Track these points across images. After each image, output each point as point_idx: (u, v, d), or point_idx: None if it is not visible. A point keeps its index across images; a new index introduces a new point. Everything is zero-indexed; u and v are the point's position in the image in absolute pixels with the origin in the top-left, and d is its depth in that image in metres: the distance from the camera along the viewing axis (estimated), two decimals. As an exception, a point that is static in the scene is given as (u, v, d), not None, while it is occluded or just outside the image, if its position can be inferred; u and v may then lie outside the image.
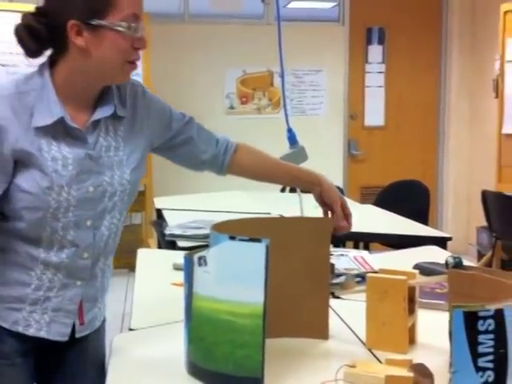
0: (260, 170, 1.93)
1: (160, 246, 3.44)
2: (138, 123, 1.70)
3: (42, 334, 1.61)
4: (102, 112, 1.61)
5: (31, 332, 1.61)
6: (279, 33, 2.53)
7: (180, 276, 1.58)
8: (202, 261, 1.50)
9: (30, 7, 1.60)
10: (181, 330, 1.60)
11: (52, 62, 1.57)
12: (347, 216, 1.87)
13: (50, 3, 1.55)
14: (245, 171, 1.92)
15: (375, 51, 6.75)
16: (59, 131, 1.55)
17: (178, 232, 3.11)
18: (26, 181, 1.53)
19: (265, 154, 1.94)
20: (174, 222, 3.37)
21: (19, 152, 1.51)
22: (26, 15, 1.55)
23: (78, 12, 1.50)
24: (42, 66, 1.57)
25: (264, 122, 6.31)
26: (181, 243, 2.98)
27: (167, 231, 3.13)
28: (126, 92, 1.68)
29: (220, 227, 1.66)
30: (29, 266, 1.58)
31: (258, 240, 1.46)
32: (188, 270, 1.55)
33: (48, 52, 1.59)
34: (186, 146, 1.82)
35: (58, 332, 1.63)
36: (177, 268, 2.36)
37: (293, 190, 3.86)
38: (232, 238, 1.49)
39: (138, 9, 1.55)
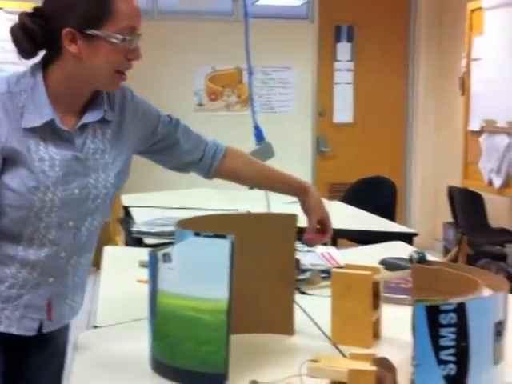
0: (248, 176, 1.95)
1: (127, 244, 3.42)
2: (126, 127, 1.71)
3: (13, 330, 1.61)
4: (92, 116, 1.63)
5: (1, 328, 1.60)
6: (246, 30, 2.53)
7: (146, 273, 1.57)
8: (167, 257, 1.50)
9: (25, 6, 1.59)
10: (146, 327, 1.60)
11: (45, 64, 1.58)
12: (325, 232, 1.91)
13: (49, 7, 1.55)
14: (233, 177, 1.95)
15: (344, 49, 6.78)
16: (48, 132, 1.56)
17: (144, 229, 3.10)
18: (13, 179, 1.53)
19: (254, 160, 1.97)
20: (141, 220, 3.35)
21: (8, 150, 1.52)
22: (22, 14, 1.56)
23: (75, 20, 1.51)
24: (34, 67, 1.58)
25: (233, 119, 6.31)
26: (148, 240, 2.97)
27: (134, 228, 3.12)
28: (115, 96, 1.69)
29: (185, 224, 1.66)
30: (6, 263, 1.57)
31: (222, 236, 1.47)
32: (152, 266, 1.54)
33: (41, 53, 1.60)
34: (171, 149, 1.84)
35: (26, 327, 1.63)
36: (143, 265, 2.35)
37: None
38: (197, 234, 1.49)
39: (136, 21, 1.56)
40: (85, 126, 1.62)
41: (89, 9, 1.50)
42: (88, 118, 1.62)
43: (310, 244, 1.93)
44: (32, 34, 1.54)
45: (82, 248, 1.67)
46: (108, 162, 1.66)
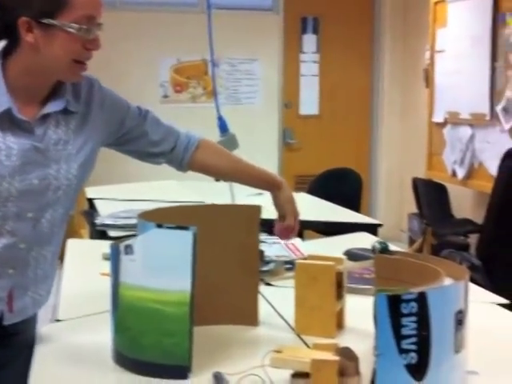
0: (222, 169, 1.96)
1: (92, 237, 3.39)
2: (92, 118, 1.70)
3: None
4: (53, 106, 1.62)
5: None
6: (209, 21, 2.52)
7: (109, 266, 1.56)
8: (129, 249, 1.49)
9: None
10: (108, 320, 1.59)
11: (5, 54, 1.57)
12: (290, 228, 1.95)
13: None
14: (206, 169, 1.95)
15: (310, 41, 6.79)
16: (6, 122, 1.55)
17: (109, 222, 3.07)
18: None
19: (227, 153, 1.98)
20: (106, 212, 3.32)
21: None
22: None
23: (30, 9, 1.50)
24: None
25: (198, 111, 6.28)
26: (112, 233, 2.95)
27: (98, 221, 3.09)
28: (81, 87, 1.68)
29: (148, 215, 1.65)
30: None
31: (185, 228, 1.46)
32: (114, 258, 1.53)
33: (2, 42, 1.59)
34: (138, 141, 1.83)
35: None
36: (106, 258, 2.32)
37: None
38: (159, 225, 1.48)
39: (94, 10, 1.55)
40: (46, 116, 1.61)
41: None
42: (49, 108, 1.61)
43: (284, 238, 1.99)
44: None
45: (43, 240, 1.64)
46: (71, 153, 1.64)
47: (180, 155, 1.88)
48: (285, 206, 1.93)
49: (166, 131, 1.87)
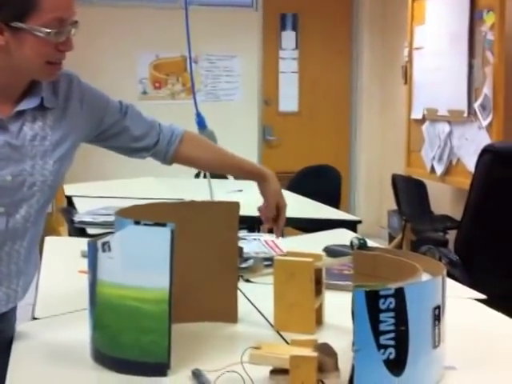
0: (207, 161, 1.98)
1: (70, 234, 3.37)
2: (70, 114, 1.69)
3: None
4: (27, 104, 1.61)
5: None
6: (187, 18, 2.51)
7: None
8: (106, 246, 1.48)
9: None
10: (87, 318, 1.58)
11: None
12: (278, 220, 1.98)
13: None
14: (191, 162, 1.97)
15: (289, 37, 6.79)
16: None
17: (87, 219, 3.05)
18: None
19: (212, 145, 2.02)
20: (85, 210, 3.30)
21: None
22: None
23: (0, 13, 1.48)
24: None
25: (178, 108, 6.24)
26: (91, 230, 2.94)
27: (76, 218, 3.07)
28: (60, 83, 1.67)
29: (125, 212, 1.64)
30: None
31: (162, 224, 1.45)
32: (92, 256, 1.52)
33: None
34: (120, 136, 1.82)
35: None
36: (85, 256, 2.30)
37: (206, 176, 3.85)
38: (137, 222, 1.47)
39: (65, 12, 1.52)
40: (21, 112, 1.60)
41: (13, 1, 1.48)
42: (24, 105, 1.60)
43: (268, 224, 2.03)
44: None
45: (16, 235, 1.63)
46: (47, 149, 1.63)
47: (164, 149, 1.89)
48: (272, 196, 1.96)
49: (148, 126, 1.87)
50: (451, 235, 4.47)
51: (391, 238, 6.16)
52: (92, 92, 1.76)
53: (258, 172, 1.98)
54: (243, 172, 2.02)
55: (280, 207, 1.98)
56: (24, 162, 1.59)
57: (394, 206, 5.81)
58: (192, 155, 1.94)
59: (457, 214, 4.71)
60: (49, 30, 1.49)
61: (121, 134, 1.82)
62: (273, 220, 1.98)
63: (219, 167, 2.05)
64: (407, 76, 5.86)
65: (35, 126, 1.62)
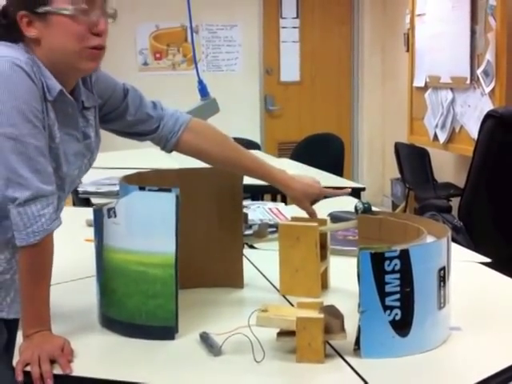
0: (216, 156, 1.80)
1: (74, 204, 3.37)
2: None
3: (3, 315, 1.57)
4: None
5: None
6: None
7: (93, 232, 1.56)
8: (112, 212, 1.49)
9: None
10: (94, 284, 1.59)
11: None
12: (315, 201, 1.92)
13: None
14: (196, 154, 1.81)
15: (289, 6, 6.73)
16: None
17: (91, 189, 3.06)
18: None
19: (222, 139, 1.83)
20: (89, 180, 3.30)
21: None
22: None
23: (23, 1, 1.45)
24: None
25: (179, 78, 6.23)
26: (95, 200, 2.94)
27: (81, 189, 3.08)
28: (92, 79, 1.65)
29: (130, 179, 1.64)
30: (1, 250, 1.52)
31: (167, 190, 1.46)
32: (98, 222, 1.53)
33: None
34: (117, 121, 1.76)
35: (16, 311, 1.57)
36: (90, 225, 2.32)
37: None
38: (141, 188, 1.48)
39: None
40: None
41: None
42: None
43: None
44: None
45: None
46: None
47: (164, 136, 1.79)
48: (302, 200, 1.88)
49: (147, 112, 1.77)
50: (454, 203, 4.47)
51: (395, 207, 6.17)
52: (104, 76, 1.72)
53: (271, 175, 1.85)
54: (257, 174, 1.85)
55: (316, 193, 1.92)
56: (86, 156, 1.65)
57: (397, 175, 5.81)
58: (198, 147, 1.80)
59: (460, 181, 4.71)
60: (75, 7, 1.44)
61: (118, 118, 1.76)
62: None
63: (228, 163, 1.81)
64: (409, 43, 5.82)
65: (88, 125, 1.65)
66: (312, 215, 1.88)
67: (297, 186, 1.88)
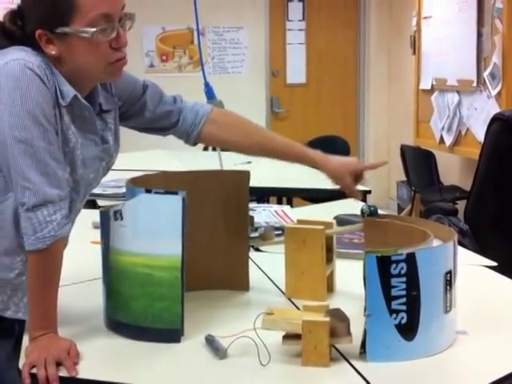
0: (241, 143, 1.81)
1: (81, 207, 3.38)
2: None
3: (20, 315, 1.56)
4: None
5: (8, 314, 1.56)
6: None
7: (99, 234, 1.56)
8: (118, 215, 1.49)
9: None
10: (100, 286, 1.59)
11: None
12: (358, 178, 1.85)
13: (23, 8, 1.50)
14: (221, 143, 1.86)
15: (296, 8, 6.73)
16: None
17: (98, 191, 3.05)
18: None
19: (250, 126, 1.83)
20: (94, 182, 3.31)
21: None
22: (7, 13, 1.51)
23: (40, 20, 1.45)
24: None
25: (185, 81, 6.21)
26: (101, 202, 2.94)
27: (87, 191, 3.07)
28: (111, 84, 1.65)
29: (137, 181, 1.65)
30: (16, 251, 1.52)
31: (174, 192, 1.46)
32: (104, 224, 1.53)
33: None
34: (137, 117, 1.75)
35: None
36: (96, 226, 2.32)
37: (215, 149, 3.85)
38: (148, 191, 1.48)
39: (108, 8, 1.44)
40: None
41: (51, 7, 1.43)
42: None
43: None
44: (10, 34, 1.49)
45: None
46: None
47: (185, 130, 1.78)
48: (340, 176, 1.84)
49: (167, 107, 1.78)
50: (460, 206, 4.47)
51: (400, 209, 6.16)
52: (122, 75, 1.66)
53: (305, 155, 1.83)
54: (290, 157, 1.84)
55: (357, 173, 1.86)
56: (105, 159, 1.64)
57: (403, 177, 5.80)
58: (222, 138, 1.80)
59: (466, 184, 4.70)
60: (93, 29, 1.42)
61: (136, 115, 1.75)
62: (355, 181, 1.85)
63: (258, 150, 1.83)
64: (415, 46, 5.81)
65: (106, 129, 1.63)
66: (354, 194, 1.86)
67: (334, 162, 1.84)
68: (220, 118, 1.82)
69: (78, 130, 1.53)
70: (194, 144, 1.82)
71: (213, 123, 1.80)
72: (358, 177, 1.87)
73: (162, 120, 1.78)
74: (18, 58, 1.42)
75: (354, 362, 1.39)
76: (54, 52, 1.46)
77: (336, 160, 1.86)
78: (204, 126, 1.79)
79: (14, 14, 1.50)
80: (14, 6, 1.53)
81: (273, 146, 1.82)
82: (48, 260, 1.44)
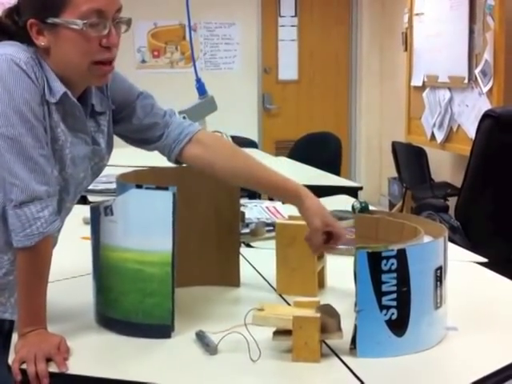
0: (225, 169, 1.66)
1: (71, 203, 3.37)
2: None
3: (7, 316, 1.55)
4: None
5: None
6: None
7: (90, 230, 1.56)
8: (109, 210, 1.49)
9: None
10: (90, 282, 1.59)
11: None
12: (336, 237, 1.63)
13: (19, 2, 1.49)
14: (202, 165, 1.68)
15: (288, 4, 6.72)
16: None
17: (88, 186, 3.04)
18: None
19: (240, 154, 1.70)
20: (85, 178, 3.30)
21: None
22: (5, 10, 1.50)
23: (33, 9, 1.44)
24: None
25: (177, 76, 6.22)
26: (92, 198, 2.93)
27: (77, 186, 3.06)
28: (107, 86, 1.62)
29: (127, 177, 1.64)
30: (3, 250, 1.51)
31: (164, 188, 1.46)
32: (94, 220, 1.53)
33: None
34: (123, 124, 1.69)
35: None
36: (87, 222, 2.31)
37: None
38: (139, 186, 1.48)
39: (102, 4, 1.43)
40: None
41: None
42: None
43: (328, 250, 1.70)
44: (4, 29, 1.49)
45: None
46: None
47: (168, 145, 1.68)
48: (315, 219, 1.61)
49: (155, 119, 1.69)
50: (451, 202, 4.48)
51: (391, 206, 6.17)
52: (119, 79, 1.67)
53: (292, 189, 1.65)
54: (274, 189, 1.70)
55: (329, 224, 1.62)
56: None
57: (395, 174, 5.81)
58: (203, 159, 1.67)
59: (457, 181, 4.72)
60: (85, 22, 1.41)
61: (124, 120, 1.69)
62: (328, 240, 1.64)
63: (243, 180, 1.69)
64: (407, 43, 5.82)
65: (98, 131, 1.62)
66: (315, 247, 1.65)
67: (315, 201, 1.65)
68: (207, 140, 1.70)
69: (69, 128, 1.51)
70: (176, 162, 1.71)
71: (198, 143, 1.68)
72: (328, 236, 1.65)
73: (147, 131, 1.70)
74: (6, 53, 1.42)
75: (344, 358, 1.39)
76: (43, 43, 1.45)
77: (318, 201, 1.67)
78: (188, 145, 1.68)
79: (11, 10, 1.50)
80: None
81: (255, 176, 1.68)
82: (37, 257, 1.43)
